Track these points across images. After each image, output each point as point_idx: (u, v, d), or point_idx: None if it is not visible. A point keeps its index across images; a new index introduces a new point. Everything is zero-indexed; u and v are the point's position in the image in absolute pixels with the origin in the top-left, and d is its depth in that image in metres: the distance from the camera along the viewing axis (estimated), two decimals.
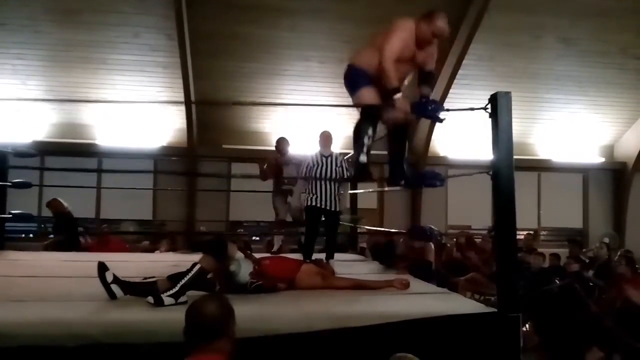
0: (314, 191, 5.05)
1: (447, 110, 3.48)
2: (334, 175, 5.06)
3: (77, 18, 8.68)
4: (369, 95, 3.60)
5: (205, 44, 9.12)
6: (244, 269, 3.42)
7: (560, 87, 10.48)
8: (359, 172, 3.55)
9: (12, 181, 5.78)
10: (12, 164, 6.12)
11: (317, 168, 5.11)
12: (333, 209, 5.03)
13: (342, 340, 2.86)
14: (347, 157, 5.44)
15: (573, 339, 4.33)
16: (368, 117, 3.62)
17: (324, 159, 5.17)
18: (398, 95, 3.50)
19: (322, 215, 5.08)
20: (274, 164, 6.38)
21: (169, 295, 3.01)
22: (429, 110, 3.47)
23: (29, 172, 7.51)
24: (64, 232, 7.04)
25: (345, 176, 5.20)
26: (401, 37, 3.54)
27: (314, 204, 5.04)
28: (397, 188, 4.79)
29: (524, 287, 4.92)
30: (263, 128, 10.44)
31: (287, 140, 6.46)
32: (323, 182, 5.03)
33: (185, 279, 3.07)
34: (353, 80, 3.72)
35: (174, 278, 3.10)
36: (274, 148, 6.79)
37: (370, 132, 3.56)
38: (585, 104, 10.89)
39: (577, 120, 11.20)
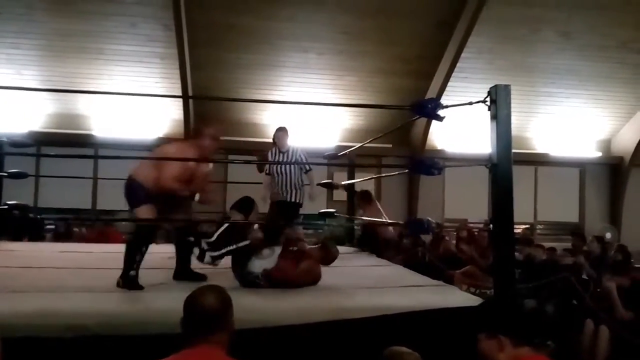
0: (275, 185, 5.40)
1: (446, 106, 3.45)
2: (291, 169, 5.35)
3: (73, 7, 8.59)
4: (145, 213, 3.57)
5: (203, 35, 9.06)
6: (265, 262, 3.56)
7: (559, 81, 10.46)
8: (128, 284, 3.46)
9: (8, 171, 5.74)
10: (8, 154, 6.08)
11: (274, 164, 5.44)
12: (291, 200, 5.36)
13: (337, 333, 2.86)
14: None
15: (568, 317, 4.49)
16: (141, 236, 3.62)
17: (280, 155, 5.44)
18: (197, 197, 3.75)
19: (282, 207, 5.42)
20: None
21: (211, 255, 3.49)
22: (428, 109, 3.45)
23: (25, 163, 7.46)
24: None
25: (306, 169, 5.49)
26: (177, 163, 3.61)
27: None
28: None
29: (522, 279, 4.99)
30: (260, 120, 10.41)
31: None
32: (281, 176, 5.35)
33: (227, 245, 3.52)
34: (131, 194, 3.65)
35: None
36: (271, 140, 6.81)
37: (143, 249, 3.56)
38: (583, 98, 10.88)
39: (574, 114, 11.19)
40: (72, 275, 3.82)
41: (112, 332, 2.64)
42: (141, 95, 8.19)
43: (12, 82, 9.23)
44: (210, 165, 4.13)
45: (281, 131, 5.53)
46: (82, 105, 9.95)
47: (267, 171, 5.51)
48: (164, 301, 2.94)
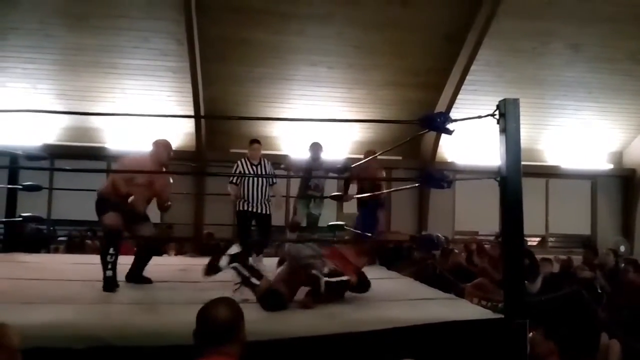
0: (245, 197, 5.46)
1: (455, 120, 3.46)
2: (262, 181, 5.48)
3: (87, 22, 8.76)
4: (110, 219, 4.00)
5: (214, 49, 9.17)
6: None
7: (569, 93, 10.45)
8: (105, 285, 3.82)
9: (23, 184, 5.83)
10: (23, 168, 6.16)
11: (246, 176, 5.53)
12: (263, 212, 5.47)
13: (349, 345, 2.87)
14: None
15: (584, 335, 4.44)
16: (110, 239, 3.99)
17: (253, 167, 5.55)
18: (130, 199, 4.04)
19: (254, 219, 5.51)
20: (304, 168, 6.51)
21: None
22: (437, 123, 3.46)
23: (39, 176, 7.56)
24: None
25: (271, 182, 5.60)
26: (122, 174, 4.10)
27: (244, 208, 5.47)
28: None
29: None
30: (271, 132, 10.47)
31: (320, 145, 6.54)
32: (252, 188, 5.45)
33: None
34: (96, 206, 4.15)
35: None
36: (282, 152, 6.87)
37: (112, 251, 3.91)
38: (593, 110, 10.85)
39: (585, 126, 11.16)
40: (84, 287, 3.86)
41: (124, 343, 2.66)
42: (153, 115, 8.35)
43: (27, 95, 9.39)
44: (170, 178, 4.62)
45: (254, 143, 5.67)
46: (95, 118, 10.08)
47: (235, 181, 5.57)
48: (177, 312, 2.96)
